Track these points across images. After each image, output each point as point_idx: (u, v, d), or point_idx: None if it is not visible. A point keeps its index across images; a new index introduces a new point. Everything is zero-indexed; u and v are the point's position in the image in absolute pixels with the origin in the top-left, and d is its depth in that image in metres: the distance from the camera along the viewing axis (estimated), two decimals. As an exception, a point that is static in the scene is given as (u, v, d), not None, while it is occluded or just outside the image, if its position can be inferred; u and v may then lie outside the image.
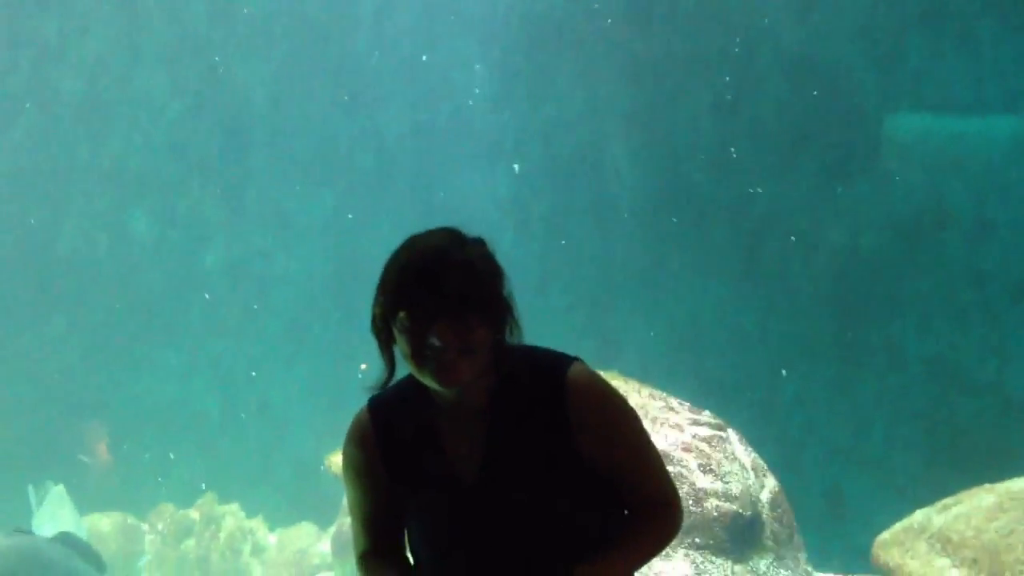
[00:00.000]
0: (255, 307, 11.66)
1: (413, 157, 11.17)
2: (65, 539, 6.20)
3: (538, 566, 2.36)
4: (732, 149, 9.52)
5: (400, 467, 2.45)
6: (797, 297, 9.30)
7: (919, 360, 8.91)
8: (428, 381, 2.34)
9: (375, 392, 2.46)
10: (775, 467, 7.27)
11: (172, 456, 11.51)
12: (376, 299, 2.36)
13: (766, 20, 9.37)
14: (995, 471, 7.20)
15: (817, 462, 9.17)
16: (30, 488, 8.29)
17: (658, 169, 9.90)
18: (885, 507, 7.77)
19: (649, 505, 2.45)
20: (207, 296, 11.61)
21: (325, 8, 11.32)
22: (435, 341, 2.27)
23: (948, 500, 6.70)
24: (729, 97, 9.56)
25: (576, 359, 2.45)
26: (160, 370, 11.80)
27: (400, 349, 2.34)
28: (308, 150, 11.55)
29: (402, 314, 2.29)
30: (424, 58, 10.95)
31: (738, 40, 9.52)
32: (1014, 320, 8.65)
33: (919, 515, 6.73)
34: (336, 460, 6.45)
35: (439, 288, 2.27)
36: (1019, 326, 8.63)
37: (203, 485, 10.72)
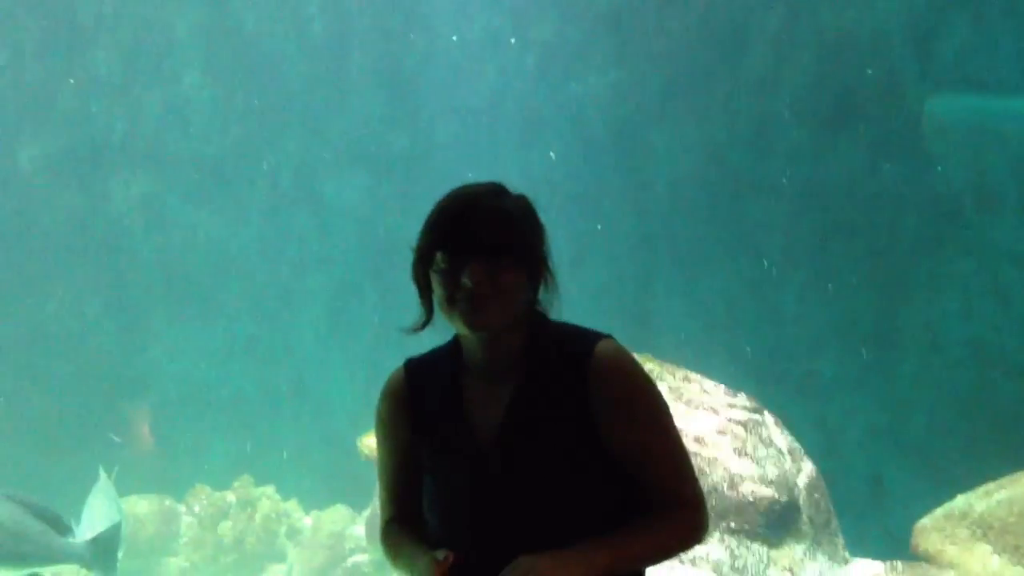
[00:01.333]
0: (291, 288, 11.69)
1: (448, 137, 11.12)
2: (16, 496, 5.92)
3: (540, 543, 2.29)
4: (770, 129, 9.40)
5: (424, 426, 2.46)
6: (836, 278, 9.17)
7: (960, 342, 8.76)
8: (458, 325, 2.36)
9: (411, 333, 2.45)
10: (813, 451, 7.17)
11: (209, 438, 11.57)
12: (416, 243, 2.39)
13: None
14: (1038, 456, 7.07)
15: (856, 446, 9.06)
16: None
17: (695, 148, 9.78)
18: (925, 493, 7.65)
19: (667, 504, 2.36)
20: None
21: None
22: (466, 280, 2.29)
23: (990, 485, 6.59)
24: (767, 75, 9.42)
25: (607, 336, 2.42)
26: (197, 351, 11.84)
27: (435, 294, 2.37)
28: (343, 131, 11.53)
29: (438, 255, 2.33)
30: (454, 38, 10.87)
31: (776, 17, 9.37)
32: (1059, 301, 8.49)
33: (960, 501, 6.62)
34: (369, 442, 6.45)
35: (473, 229, 2.32)
36: (1064, 307, 8.47)
37: (240, 467, 10.78)
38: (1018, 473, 6.56)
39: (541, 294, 2.40)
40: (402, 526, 2.51)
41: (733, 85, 9.59)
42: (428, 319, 2.43)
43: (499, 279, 2.31)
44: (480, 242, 2.31)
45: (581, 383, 2.35)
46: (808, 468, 6.28)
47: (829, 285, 9.19)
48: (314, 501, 10.38)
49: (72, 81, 11.88)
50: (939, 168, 8.73)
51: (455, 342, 2.47)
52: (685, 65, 9.81)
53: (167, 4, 11.78)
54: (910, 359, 8.93)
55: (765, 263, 9.39)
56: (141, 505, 10.01)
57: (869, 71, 8.99)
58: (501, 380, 2.41)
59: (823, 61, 9.20)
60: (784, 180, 9.38)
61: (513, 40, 10.74)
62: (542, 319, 2.43)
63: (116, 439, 10.81)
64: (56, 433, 11.39)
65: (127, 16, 11.89)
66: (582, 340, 2.41)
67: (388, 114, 11.37)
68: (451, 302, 2.33)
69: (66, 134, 12.02)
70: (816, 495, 6.18)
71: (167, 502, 10.21)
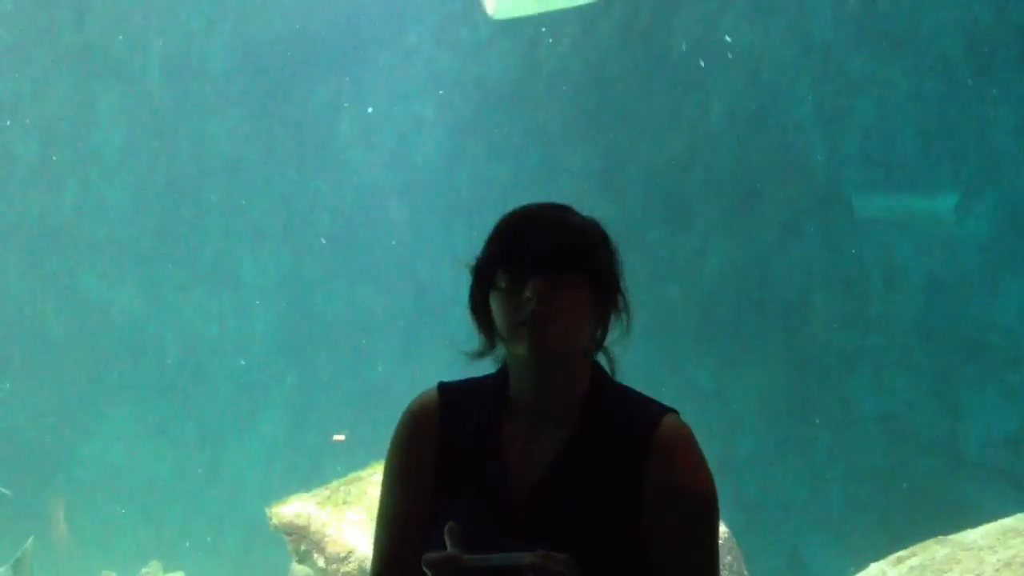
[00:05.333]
0: (208, 366, 11.50)
1: (370, 218, 11.15)
2: None
3: None
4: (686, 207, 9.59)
5: (451, 463, 2.15)
6: (751, 353, 9.30)
7: (873, 417, 8.90)
8: (519, 349, 2.09)
9: (473, 359, 2.19)
10: (732, 528, 7.19)
11: (119, 522, 11.22)
12: (475, 264, 2.16)
13: (718, 80, 9.51)
14: (949, 527, 7.15)
15: (774, 522, 9.09)
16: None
17: (612, 227, 9.90)
18: (842, 567, 7.69)
19: None
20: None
21: (283, 68, 11.37)
22: (529, 296, 2.05)
23: (902, 552, 6.63)
24: (683, 155, 9.65)
25: (674, 410, 2.17)
26: (110, 433, 11.56)
27: (496, 319, 2.12)
28: (264, 210, 11.51)
29: (498, 274, 2.10)
30: (370, 110, 10.99)
31: (692, 100, 9.64)
32: (966, 378, 8.68)
33: (874, 569, 6.64)
34: (279, 511, 6.33)
35: (535, 242, 2.08)
36: (971, 384, 8.66)
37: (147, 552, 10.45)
38: (928, 540, 6.63)
39: (610, 333, 2.14)
40: None
41: (649, 165, 9.80)
42: (490, 349, 2.18)
43: (563, 295, 2.06)
44: (543, 254, 2.07)
45: (642, 453, 2.08)
46: (721, 531, 6.28)
47: (744, 360, 9.31)
48: (226, 586, 10.10)
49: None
50: (847, 236, 8.96)
51: (502, 372, 2.19)
52: (604, 146, 10.02)
53: (89, 83, 11.76)
54: (825, 434, 9.04)
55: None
56: (43, 591, 9.61)
57: (777, 151, 9.27)
58: (549, 425, 2.13)
59: (736, 141, 9.46)
60: (699, 258, 9.55)
61: (434, 121, 10.89)
62: (603, 372, 2.17)
63: (6, 492, 10.43)
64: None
65: (47, 95, 11.83)
66: (648, 406, 2.15)
67: (309, 194, 11.39)
68: (513, 326, 2.07)
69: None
70: (729, 557, 6.17)
71: (70, 588, 9.86)
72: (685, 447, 2.10)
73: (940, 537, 6.59)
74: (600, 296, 2.12)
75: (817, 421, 9.04)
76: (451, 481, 2.14)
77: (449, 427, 2.17)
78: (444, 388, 2.22)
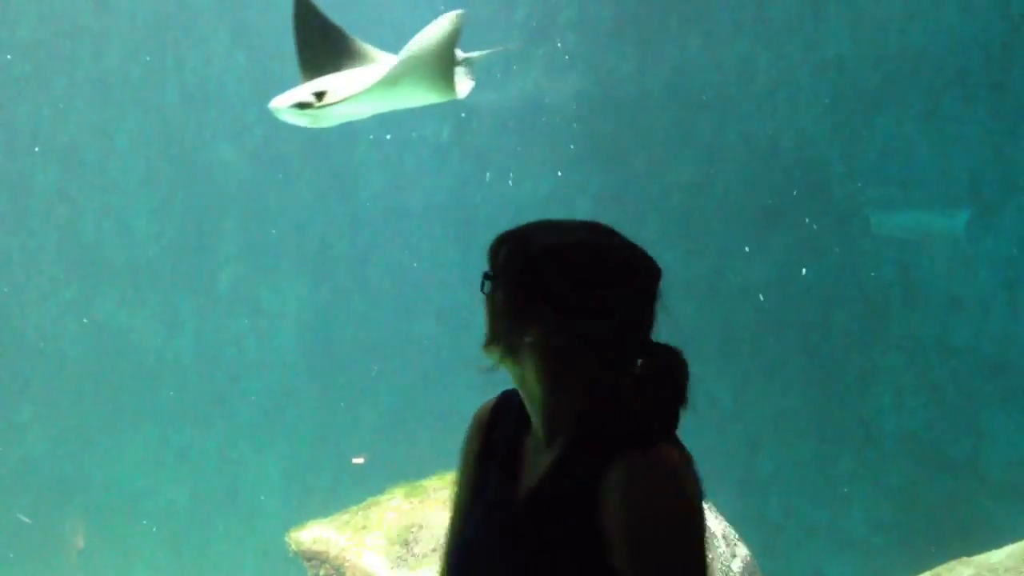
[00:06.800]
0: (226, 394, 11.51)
1: (386, 241, 11.17)
2: None
3: None
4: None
5: (485, 466, 2.23)
6: (770, 373, 9.25)
7: (894, 437, 8.84)
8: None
9: (487, 371, 2.26)
10: (753, 549, 7.14)
11: (137, 550, 11.23)
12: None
13: (733, 99, 9.51)
14: (972, 548, 7.09)
15: (795, 543, 9.02)
16: None
17: (629, 249, 9.88)
18: (866, 589, 7.63)
19: None
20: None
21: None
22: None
23: (926, 574, 6.58)
24: (699, 177, 9.64)
25: (663, 442, 2.05)
26: (128, 459, 11.57)
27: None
28: (281, 235, 11.54)
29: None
30: (388, 137, 11.03)
31: (706, 119, 9.64)
32: (987, 397, 8.62)
33: (897, 590, 6.59)
34: (298, 536, 6.32)
35: (493, 258, 2.24)
36: (992, 402, 8.60)
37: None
38: (952, 561, 6.58)
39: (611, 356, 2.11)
40: None
41: (666, 186, 9.80)
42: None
43: (491, 310, 2.21)
44: (493, 272, 2.23)
45: (593, 495, 1.99)
46: (743, 553, 6.24)
47: (765, 380, 9.27)
48: (245, 612, 10.07)
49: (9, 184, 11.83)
50: (865, 254, 8.92)
51: None
52: (619, 169, 10.02)
53: (107, 110, 11.85)
54: (846, 455, 8.98)
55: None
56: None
57: (793, 170, 9.25)
58: (546, 448, 2.11)
59: (752, 162, 9.45)
60: (717, 278, 9.53)
61: (451, 145, 10.92)
62: (604, 397, 2.09)
63: (25, 520, 10.46)
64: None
65: (66, 122, 11.92)
66: (618, 440, 2.02)
67: (326, 218, 11.42)
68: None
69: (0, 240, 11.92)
70: (751, 580, 6.12)
71: (89, 616, 9.85)
72: (636, 484, 1.97)
73: (964, 558, 6.54)
74: (526, 317, 2.14)
75: (837, 441, 8.99)
76: (479, 483, 2.22)
77: (492, 432, 2.26)
78: (503, 395, 2.30)
